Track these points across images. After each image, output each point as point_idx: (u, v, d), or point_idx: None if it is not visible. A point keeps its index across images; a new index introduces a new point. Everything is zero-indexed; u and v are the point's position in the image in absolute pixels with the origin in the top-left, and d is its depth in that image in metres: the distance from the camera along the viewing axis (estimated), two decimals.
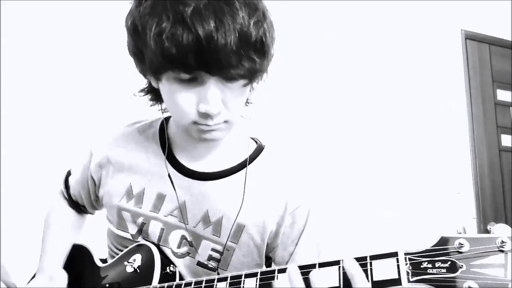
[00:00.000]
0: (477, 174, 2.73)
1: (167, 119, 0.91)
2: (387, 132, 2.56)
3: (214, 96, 0.67)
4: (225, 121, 0.72)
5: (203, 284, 0.68)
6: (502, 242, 0.46)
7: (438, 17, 2.79)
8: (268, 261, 0.86)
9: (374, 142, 2.51)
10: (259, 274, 0.63)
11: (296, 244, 0.83)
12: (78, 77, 2.05)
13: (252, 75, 0.67)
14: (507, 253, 0.46)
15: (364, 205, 2.40)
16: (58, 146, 1.94)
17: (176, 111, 0.72)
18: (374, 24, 2.64)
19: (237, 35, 0.60)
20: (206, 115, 0.68)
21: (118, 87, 2.00)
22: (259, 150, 0.87)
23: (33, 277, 0.96)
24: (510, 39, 2.92)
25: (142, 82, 0.83)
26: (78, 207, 1.03)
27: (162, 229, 0.83)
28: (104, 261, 0.94)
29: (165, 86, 0.70)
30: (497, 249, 0.47)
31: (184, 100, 0.68)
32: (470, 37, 2.89)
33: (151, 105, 0.83)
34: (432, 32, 2.78)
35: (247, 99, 0.79)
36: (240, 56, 0.62)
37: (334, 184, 2.29)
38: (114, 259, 0.88)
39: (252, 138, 0.90)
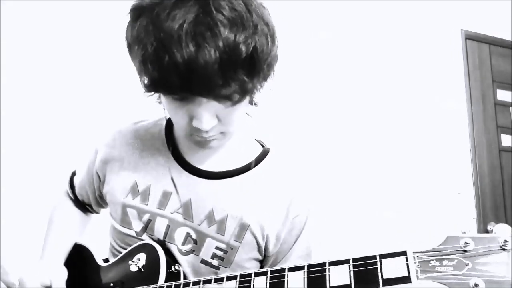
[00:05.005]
0: (477, 174, 2.74)
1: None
2: (387, 132, 2.57)
3: (206, 113, 0.68)
4: (221, 132, 0.74)
5: (212, 282, 0.69)
6: (505, 241, 0.49)
7: (438, 17, 2.80)
8: (261, 263, 0.87)
9: (374, 142, 2.53)
10: (269, 273, 0.65)
11: (289, 251, 0.85)
12: (80, 77, 2.05)
13: (243, 93, 0.67)
14: (509, 251, 0.49)
15: (364, 205, 2.41)
16: (59, 147, 1.94)
17: (174, 123, 0.77)
18: (375, 24, 2.65)
19: (218, 56, 0.59)
20: (200, 130, 0.70)
21: (121, 87, 2.00)
22: (264, 153, 0.88)
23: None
24: (510, 39, 2.93)
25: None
26: (84, 207, 1.04)
27: (168, 226, 0.84)
28: (106, 260, 0.94)
29: (163, 100, 0.74)
30: (500, 248, 0.50)
31: (178, 117, 0.72)
32: (470, 37, 2.90)
33: (159, 102, 0.85)
34: (432, 32, 2.79)
35: (253, 100, 0.78)
36: (226, 76, 0.62)
37: (335, 185, 2.30)
38: (117, 258, 0.88)
39: (257, 141, 0.92)
